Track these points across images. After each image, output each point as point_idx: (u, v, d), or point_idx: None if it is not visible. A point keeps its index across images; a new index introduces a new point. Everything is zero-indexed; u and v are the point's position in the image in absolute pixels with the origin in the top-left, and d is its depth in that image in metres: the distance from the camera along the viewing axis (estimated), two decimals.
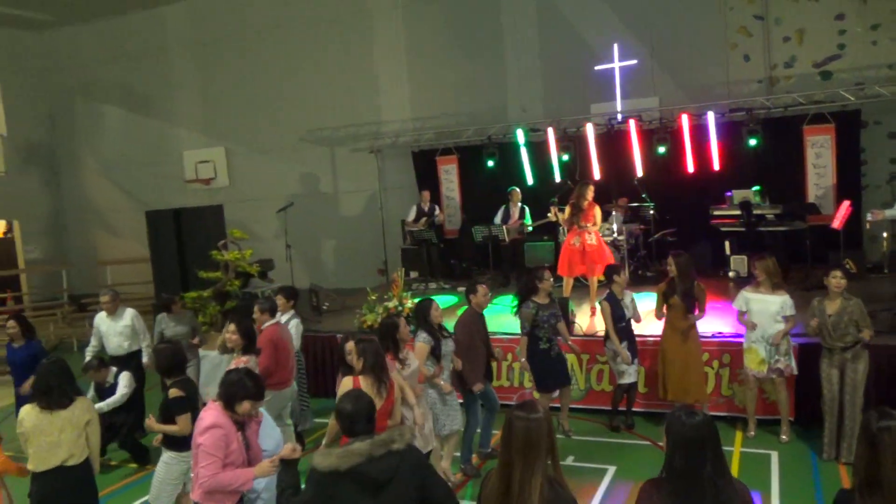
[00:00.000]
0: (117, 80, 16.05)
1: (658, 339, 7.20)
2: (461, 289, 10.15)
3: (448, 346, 5.93)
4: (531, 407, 2.73)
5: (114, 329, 7.81)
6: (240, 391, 3.81)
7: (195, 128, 15.43)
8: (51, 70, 16.70)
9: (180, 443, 4.81)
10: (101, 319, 7.89)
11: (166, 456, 4.91)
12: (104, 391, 6.91)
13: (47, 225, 16.45)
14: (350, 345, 5.23)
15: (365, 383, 4.52)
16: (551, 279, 6.76)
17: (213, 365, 7.70)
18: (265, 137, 14.68)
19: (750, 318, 6.53)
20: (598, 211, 8.83)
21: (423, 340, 5.76)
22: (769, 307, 6.42)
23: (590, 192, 8.77)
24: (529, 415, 2.67)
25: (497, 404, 6.63)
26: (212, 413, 3.83)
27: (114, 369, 6.98)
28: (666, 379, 6.86)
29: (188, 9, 15.16)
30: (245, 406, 3.82)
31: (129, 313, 7.92)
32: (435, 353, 5.79)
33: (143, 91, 15.77)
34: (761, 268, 6.51)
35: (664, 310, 6.87)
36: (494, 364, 7.27)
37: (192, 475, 3.89)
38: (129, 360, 7.67)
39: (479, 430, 6.47)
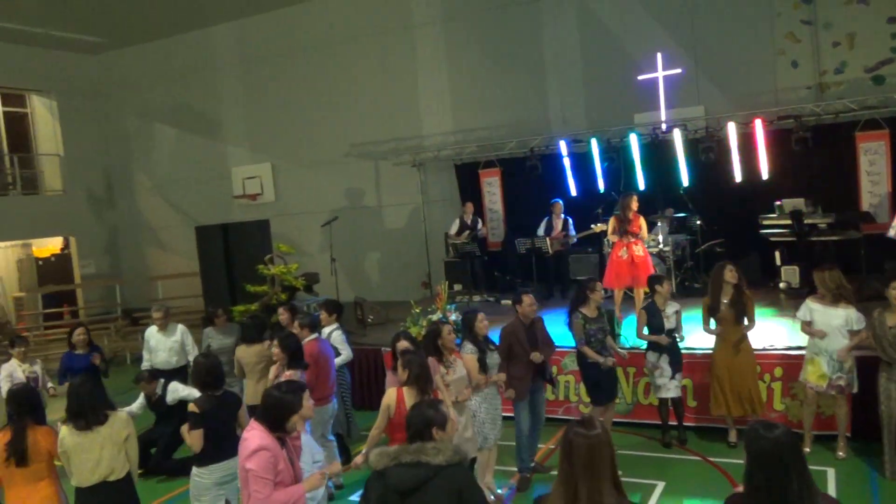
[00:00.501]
0: (168, 99, 16.53)
1: (707, 353, 7.07)
2: (505, 301, 10.16)
3: (493, 358, 5.93)
4: (590, 423, 2.67)
5: (164, 344, 8.05)
6: (284, 410, 3.75)
7: (242, 144, 15.78)
8: (105, 91, 17.29)
9: (199, 458, 4.88)
10: (152, 334, 8.13)
11: (193, 470, 4.97)
12: (154, 402, 7.11)
13: (102, 241, 16.97)
14: (402, 343, 5.27)
15: (408, 394, 4.55)
16: (602, 290, 6.71)
17: None
18: (310, 153, 14.92)
19: (814, 327, 6.30)
20: (643, 221, 8.78)
21: (470, 352, 5.78)
22: (832, 320, 6.19)
23: (633, 203, 8.74)
24: (590, 431, 2.61)
25: (542, 419, 6.60)
26: (256, 435, 3.73)
27: (161, 381, 7.16)
28: (717, 393, 6.72)
29: (235, 28, 15.54)
30: (293, 420, 3.78)
31: (179, 329, 8.16)
32: (482, 365, 5.79)
33: (193, 110, 16.20)
34: (817, 279, 6.31)
35: (710, 323, 6.74)
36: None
37: (242, 499, 3.89)
38: (175, 376, 7.79)
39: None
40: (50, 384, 7.52)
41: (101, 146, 17.28)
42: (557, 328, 7.08)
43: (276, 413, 3.75)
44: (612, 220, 8.93)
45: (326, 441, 6.31)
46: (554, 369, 7.84)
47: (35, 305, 15.87)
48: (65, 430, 4.59)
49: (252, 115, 15.63)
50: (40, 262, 16.72)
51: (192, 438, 4.82)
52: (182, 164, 16.43)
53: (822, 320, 6.24)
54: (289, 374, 5.64)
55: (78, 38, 15.71)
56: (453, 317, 8.37)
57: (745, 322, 6.62)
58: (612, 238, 8.96)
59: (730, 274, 6.63)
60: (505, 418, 6.20)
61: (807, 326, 6.37)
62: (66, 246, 17.08)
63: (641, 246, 8.73)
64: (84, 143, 16.81)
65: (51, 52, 16.18)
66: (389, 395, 4.68)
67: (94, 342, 7.85)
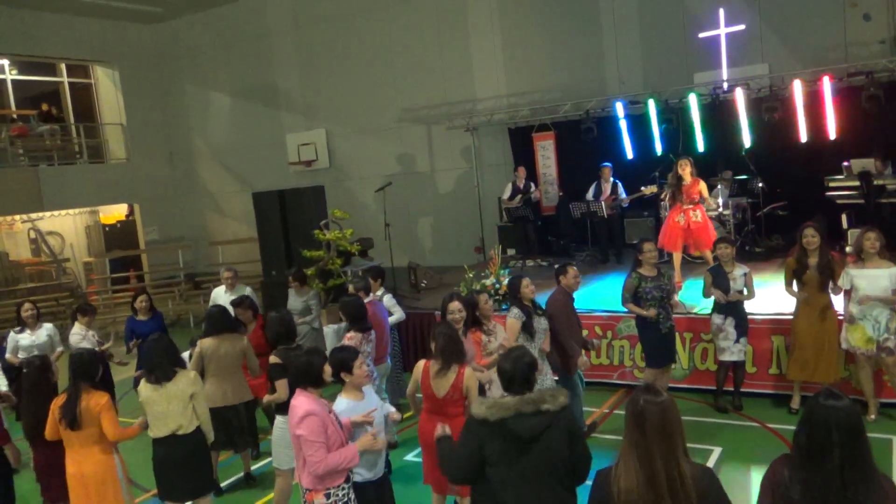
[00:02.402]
0: (224, 67, 16.76)
1: (771, 318, 6.91)
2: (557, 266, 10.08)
3: (541, 323, 5.91)
4: (656, 390, 2.62)
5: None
6: (314, 368, 3.97)
7: (297, 111, 15.93)
8: (164, 60, 17.63)
9: (285, 407, 5.02)
10: (219, 294, 8.39)
11: (279, 420, 5.21)
12: None
13: (164, 208, 17.46)
14: (454, 304, 5.32)
15: (433, 366, 4.58)
16: (654, 251, 6.57)
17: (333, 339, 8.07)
18: (363, 119, 14.96)
19: (856, 295, 6.13)
20: (703, 186, 8.56)
21: (514, 316, 5.78)
22: (879, 282, 6.01)
23: (683, 168, 8.49)
24: (658, 398, 2.56)
25: (581, 384, 6.60)
26: (303, 401, 3.88)
27: None
28: (795, 358, 6.55)
29: None
30: (327, 372, 4.02)
31: (247, 290, 8.42)
32: (527, 329, 5.79)
33: (249, 77, 16.40)
34: (863, 241, 6.11)
35: (794, 286, 6.53)
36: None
37: (297, 466, 4.02)
38: None
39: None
40: (110, 349, 7.71)
41: (161, 115, 17.68)
42: (615, 291, 7.00)
43: (311, 375, 3.96)
44: (668, 186, 8.79)
45: (382, 398, 6.46)
46: (609, 334, 7.80)
47: (103, 270, 16.51)
48: (141, 384, 4.92)
49: (306, 82, 15.74)
50: (107, 229, 17.35)
51: (280, 388, 5.14)
52: (239, 131, 16.71)
53: (868, 284, 6.05)
54: (350, 337, 5.75)
55: (138, 8, 16.02)
56: (489, 281, 8.34)
57: (832, 287, 6.38)
58: (668, 203, 8.78)
59: (810, 237, 6.38)
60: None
61: (845, 296, 6.21)
62: (131, 213, 17.66)
63: (701, 211, 8.50)
64: (145, 113, 17.24)
65: (112, 22, 16.56)
66: (417, 367, 4.76)
67: (155, 308, 8.15)
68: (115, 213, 17.75)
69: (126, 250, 16.67)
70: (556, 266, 6.52)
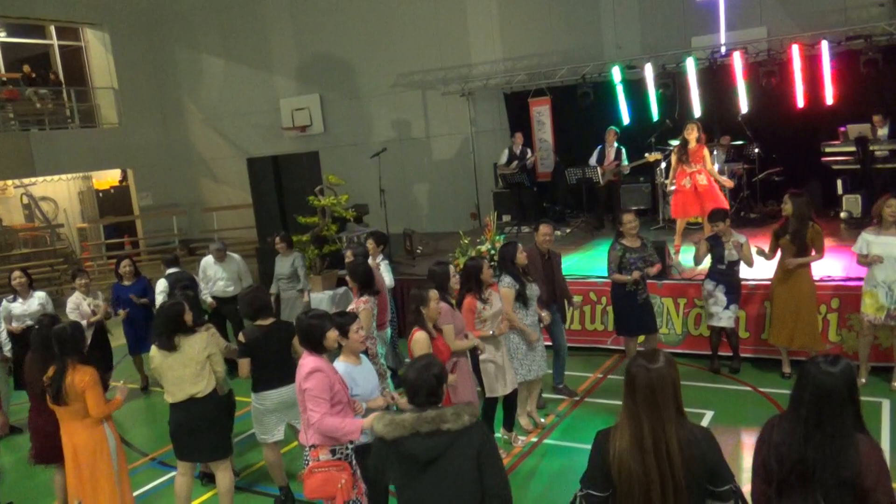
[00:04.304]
0: (217, 30, 16.51)
1: (763, 283, 6.96)
2: (557, 232, 10.13)
3: (533, 290, 5.94)
4: (651, 356, 2.65)
5: (220, 274, 8.41)
6: (316, 332, 4.03)
7: (291, 76, 15.74)
8: (154, 22, 17.33)
9: (252, 386, 5.14)
10: (209, 264, 8.46)
11: (252, 397, 5.22)
12: None
13: (158, 173, 17.33)
14: (452, 269, 5.32)
15: (419, 333, 4.65)
16: (634, 221, 6.57)
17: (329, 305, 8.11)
18: (358, 84, 14.82)
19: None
20: (706, 153, 8.60)
21: (507, 285, 5.80)
22: (893, 250, 6.01)
23: (692, 132, 8.52)
24: (650, 364, 2.60)
25: (564, 346, 6.74)
26: (311, 359, 4.01)
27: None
28: (774, 323, 6.65)
29: None
30: (331, 339, 4.05)
31: (235, 260, 8.46)
32: (521, 297, 5.81)
33: (241, 41, 16.17)
34: (879, 208, 6.10)
35: (776, 251, 6.59)
36: (570, 310, 7.27)
37: (301, 419, 4.09)
38: (230, 302, 8.23)
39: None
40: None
41: (153, 79, 17.46)
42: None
43: (311, 337, 4.03)
44: (674, 150, 8.80)
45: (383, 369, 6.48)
46: (604, 300, 7.84)
47: (97, 236, 16.46)
48: (153, 350, 4.85)
49: (300, 46, 15.53)
50: (100, 195, 17.25)
51: (241, 366, 5.08)
52: (232, 96, 16.52)
53: (883, 252, 6.07)
54: (365, 301, 5.73)
55: None
56: (484, 247, 8.35)
57: (813, 252, 6.43)
58: (674, 167, 8.82)
59: (784, 204, 6.50)
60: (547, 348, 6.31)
61: (864, 258, 6.20)
62: (125, 178, 17.54)
63: (706, 174, 8.54)
64: (137, 77, 17.02)
65: None
66: (416, 338, 4.70)
67: (140, 273, 8.16)
68: (108, 178, 17.63)
69: (120, 216, 16.60)
70: (534, 225, 6.70)
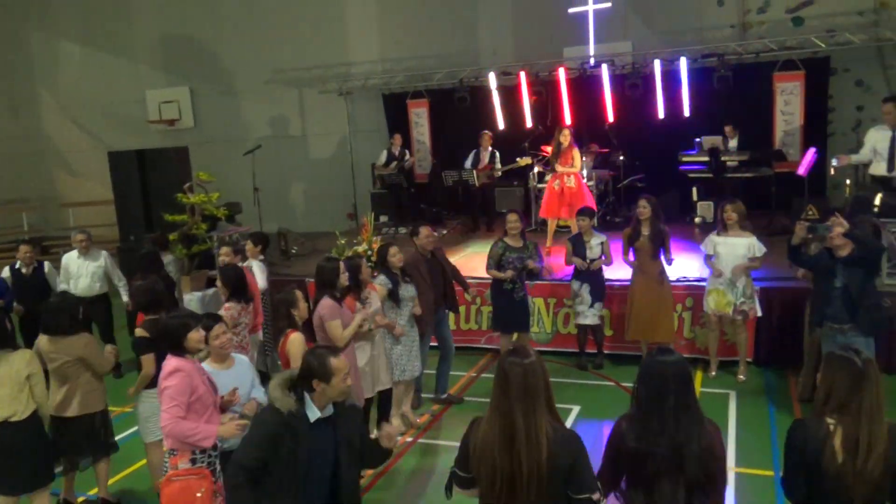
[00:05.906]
0: (77, 14, 15.39)
1: (625, 282, 7.33)
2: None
3: (408, 290, 6.00)
4: (524, 352, 2.73)
5: (86, 269, 7.71)
6: (175, 333, 3.87)
7: (157, 66, 14.94)
8: (6, 3, 15.94)
9: (151, 381, 4.82)
10: (72, 259, 7.76)
11: (144, 393, 4.96)
12: None
13: (5, 165, 15.93)
14: (342, 266, 5.26)
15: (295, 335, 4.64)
16: (517, 222, 6.79)
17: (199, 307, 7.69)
18: (231, 78, 14.31)
19: (717, 261, 6.66)
20: (576, 153, 9.02)
21: (380, 283, 5.87)
22: (737, 250, 6.58)
23: (564, 136, 8.99)
24: (524, 360, 2.67)
25: (451, 349, 6.80)
26: (173, 360, 3.85)
27: None
28: (633, 320, 7.04)
29: None
30: (192, 340, 3.89)
31: (102, 255, 7.84)
32: (393, 296, 5.86)
33: (103, 26, 15.16)
34: (724, 212, 6.65)
35: (630, 254, 7.00)
36: (463, 308, 7.40)
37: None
38: (98, 302, 7.65)
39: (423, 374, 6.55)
40: None
41: (2, 64, 16.04)
42: (484, 259, 7.16)
43: (170, 339, 3.89)
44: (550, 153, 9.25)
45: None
46: (479, 300, 7.99)
47: None
48: None
49: (167, 36, 14.77)
50: None
51: (145, 363, 4.83)
52: (93, 85, 15.43)
53: (727, 251, 6.62)
54: (228, 307, 5.50)
55: None
56: (360, 247, 8.32)
57: (664, 255, 6.89)
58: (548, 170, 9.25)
59: (642, 208, 6.91)
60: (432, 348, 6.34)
61: (709, 261, 6.75)
62: None
63: (575, 178, 8.97)
64: None
65: None
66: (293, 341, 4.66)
67: None
68: None
69: None
70: (410, 228, 6.70)
